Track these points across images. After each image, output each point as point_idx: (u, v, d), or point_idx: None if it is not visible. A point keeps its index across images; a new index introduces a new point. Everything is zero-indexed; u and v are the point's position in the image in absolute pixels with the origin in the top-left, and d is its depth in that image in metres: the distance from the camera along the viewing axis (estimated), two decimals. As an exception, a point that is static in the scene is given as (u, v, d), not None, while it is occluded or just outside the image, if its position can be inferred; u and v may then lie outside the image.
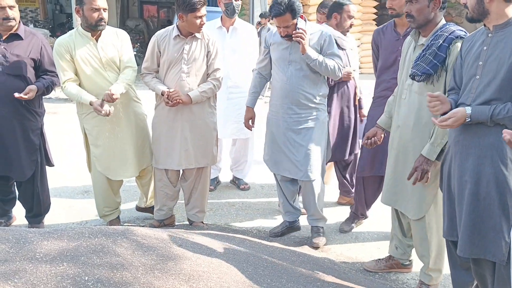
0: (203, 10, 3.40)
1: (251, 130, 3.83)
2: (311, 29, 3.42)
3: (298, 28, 3.29)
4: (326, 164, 3.82)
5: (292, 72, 3.43)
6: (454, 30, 2.66)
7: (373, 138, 3.11)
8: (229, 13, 4.33)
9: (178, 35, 3.49)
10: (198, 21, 3.40)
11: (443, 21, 2.77)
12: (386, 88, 3.52)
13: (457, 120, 2.26)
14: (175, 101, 3.40)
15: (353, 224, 3.96)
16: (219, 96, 4.28)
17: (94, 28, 3.40)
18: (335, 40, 3.56)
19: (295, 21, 3.30)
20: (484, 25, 2.34)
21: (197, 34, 3.50)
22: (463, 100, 2.38)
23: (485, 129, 2.26)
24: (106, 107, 3.34)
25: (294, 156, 3.48)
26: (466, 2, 2.34)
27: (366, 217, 4.00)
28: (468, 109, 2.25)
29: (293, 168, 3.50)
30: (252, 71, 3.91)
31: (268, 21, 9.06)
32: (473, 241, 2.31)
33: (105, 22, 3.41)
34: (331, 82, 3.88)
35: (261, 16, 9.43)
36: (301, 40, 3.25)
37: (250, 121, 3.73)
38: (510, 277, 2.29)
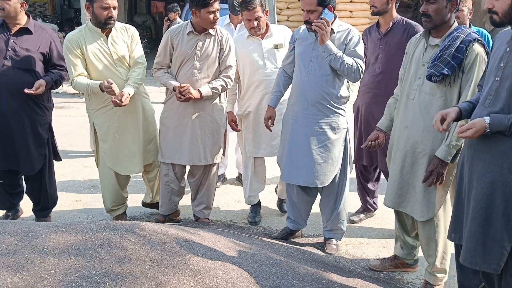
0: (216, 5, 3.39)
1: (270, 130, 3.56)
2: (341, 27, 3.25)
3: (321, 18, 3.09)
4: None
5: (312, 69, 3.23)
6: (470, 33, 2.67)
7: (376, 141, 3.10)
8: (230, 10, 4.33)
9: (192, 31, 3.50)
10: (211, 16, 3.39)
11: (455, 23, 2.77)
12: (365, 84, 3.69)
13: (477, 131, 2.20)
14: (186, 96, 3.42)
15: (362, 215, 4.03)
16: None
17: (103, 26, 3.42)
18: None
19: (320, 9, 3.10)
20: (511, 27, 2.29)
21: (210, 31, 3.51)
22: (481, 102, 2.34)
23: (499, 136, 2.22)
24: (116, 88, 3.33)
25: (302, 160, 3.30)
26: (491, 7, 2.26)
27: (374, 209, 4.08)
28: (487, 119, 2.19)
29: (302, 173, 3.31)
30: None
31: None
32: (475, 251, 2.29)
33: (114, 20, 3.43)
34: None
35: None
36: (319, 29, 3.06)
37: (270, 120, 3.50)
38: None
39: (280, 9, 11.04)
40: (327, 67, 3.21)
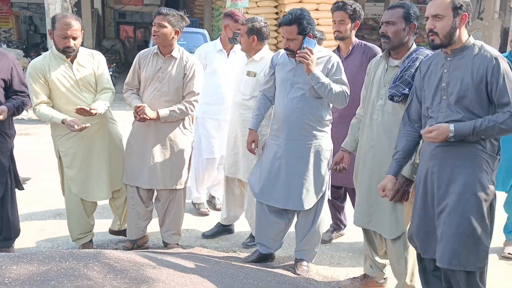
0: (157, 18, 3.45)
1: (254, 153, 3.54)
2: (320, 53, 3.26)
3: (304, 48, 3.11)
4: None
5: (294, 95, 3.24)
6: (428, 54, 2.77)
7: (341, 164, 3.15)
8: (235, 41, 4.29)
9: (156, 53, 3.53)
10: (153, 28, 3.47)
11: (414, 45, 2.88)
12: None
13: (441, 134, 2.34)
14: (141, 116, 3.39)
15: (332, 234, 4.07)
16: (215, 117, 4.40)
17: (62, 53, 3.39)
18: None
19: (300, 37, 3.14)
20: (442, 50, 2.48)
21: (174, 54, 3.52)
22: (431, 121, 2.47)
23: (462, 141, 2.36)
24: (81, 124, 3.28)
25: (287, 184, 3.30)
26: (433, 27, 2.41)
27: (344, 225, 4.14)
28: (452, 126, 2.34)
29: (284, 197, 3.32)
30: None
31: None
32: (458, 251, 2.37)
33: (73, 50, 3.37)
34: None
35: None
36: (303, 60, 3.07)
37: (253, 144, 3.49)
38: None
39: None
40: (309, 92, 3.22)
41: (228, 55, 4.44)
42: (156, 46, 3.56)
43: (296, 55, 3.13)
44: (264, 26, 3.71)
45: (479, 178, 2.36)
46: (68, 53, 3.38)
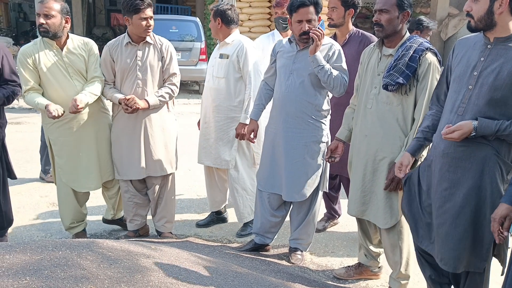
0: (149, 12, 3.36)
1: (253, 142, 3.62)
2: (323, 40, 3.20)
3: (318, 28, 3.10)
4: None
5: (292, 82, 3.22)
6: (422, 42, 2.75)
7: (336, 154, 3.13)
8: (277, 27, 4.22)
9: (129, 42, 3.46)
10: (144, 23, 3.36)
11: (407, 33, 2.84)
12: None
13: (464, 133, 2.23)
14: (133, 107, 3.36)
15: (326, 223, 4.09)
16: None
17: (40, 35, 3.33)
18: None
19: (317, 18, 3.14)
20: (484, 35, 2.31)
21: (148, 39, 3.47)
22: (450, 108, 2.38)
23: (477, 144, 2.27)
24: (55, 108, 3.23)
25: (283, 174, 3.30)
26: (469, 10, 2.28)
27: (338, 215, 4.15)
28: (474, 123, 2.23)
29: (280, 185, 3.33)
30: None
31: None
32: (461, 256, 2.34)
33: (46, 30, 3.28)
34: None
35: None
36: (315, 36, 3.04)
37: (253, 133, 3.52)
38: (483, 283, 2.37)
39: (242, 21, 11.10)
40: (308, 80, 3.21)
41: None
42: (125, 35, 3.49)
43: (310, 32, 3.08)
44: (228, 9, 3.75)
45: (488, 184, 2.26)
46: (42, 32, 3.29)
